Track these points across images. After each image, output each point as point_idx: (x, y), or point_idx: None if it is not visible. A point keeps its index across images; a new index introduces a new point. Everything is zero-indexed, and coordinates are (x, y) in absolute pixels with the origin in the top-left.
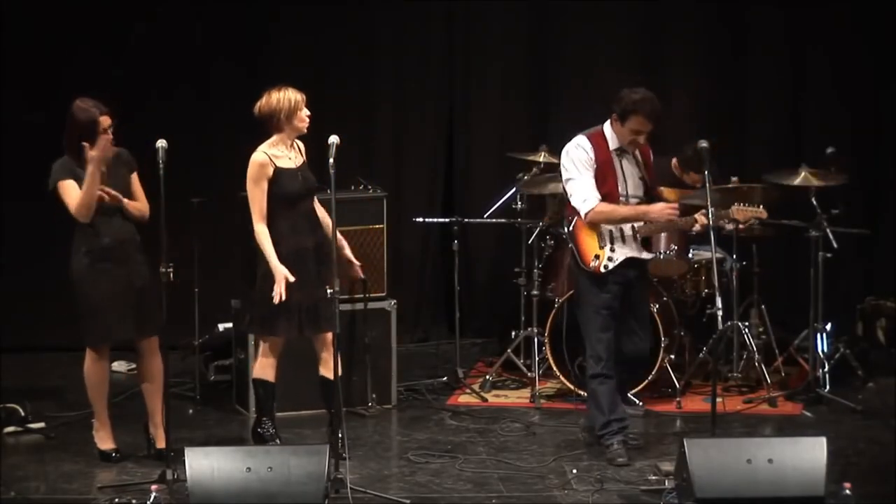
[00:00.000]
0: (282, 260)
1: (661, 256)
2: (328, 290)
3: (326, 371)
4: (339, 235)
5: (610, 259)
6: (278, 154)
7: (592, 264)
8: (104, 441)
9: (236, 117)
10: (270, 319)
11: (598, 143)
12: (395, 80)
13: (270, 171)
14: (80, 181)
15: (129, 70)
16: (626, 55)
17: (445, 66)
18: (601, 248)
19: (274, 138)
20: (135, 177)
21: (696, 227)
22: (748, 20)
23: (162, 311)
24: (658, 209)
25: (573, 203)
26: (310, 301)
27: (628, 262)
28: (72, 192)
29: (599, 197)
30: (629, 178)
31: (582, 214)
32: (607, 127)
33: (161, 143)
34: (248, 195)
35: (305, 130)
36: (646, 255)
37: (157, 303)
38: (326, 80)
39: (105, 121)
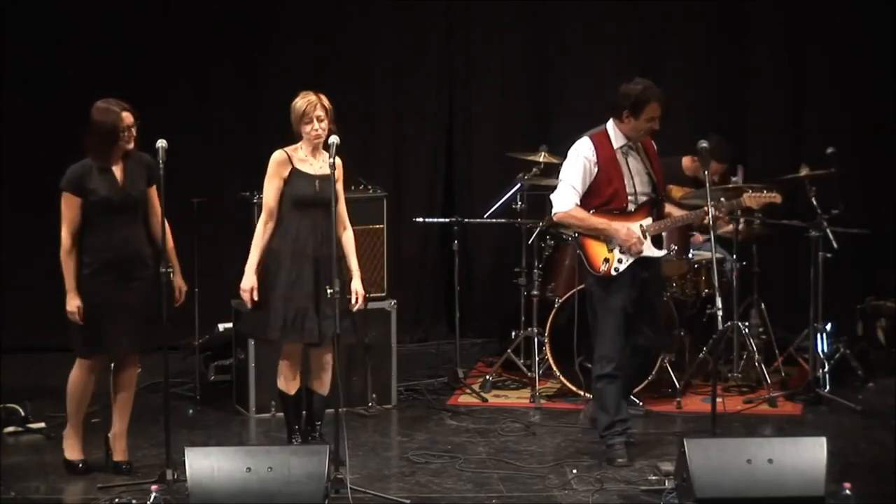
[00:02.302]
0: (288, 263)
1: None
2: (328, 291)
3: (318, 387)
4: (354, 267)
5: (620, 261)
6: (301, 157)
7: (602, 268)
8: (73, 451)
9: (237, 117)
10: (261, 325)
11: (601, 142)
12: (395, 80)
13: (286, 171)
14: (89, 192)
15: (130, 70)
16: (626, 55)
17: (445, 66)
18: (610, 251)
19: (300, 142)
20: (153, 190)
21: (707, 219)
22: (748, 20)
23: (162, 314)
24: (625, 236)
25: (552, 198)
26: (302, 309)
27: (639, 262)
28: (68, 212)
29: (577, 202)
30: (636, 175)
31: (554, 212)
32: (610, 125)
33: (161, 143)
34: (263, 190)
35: (315, 140)
36: (657, 253)
37: (148, 317)
38: (326, 80)
39: (127, 118)
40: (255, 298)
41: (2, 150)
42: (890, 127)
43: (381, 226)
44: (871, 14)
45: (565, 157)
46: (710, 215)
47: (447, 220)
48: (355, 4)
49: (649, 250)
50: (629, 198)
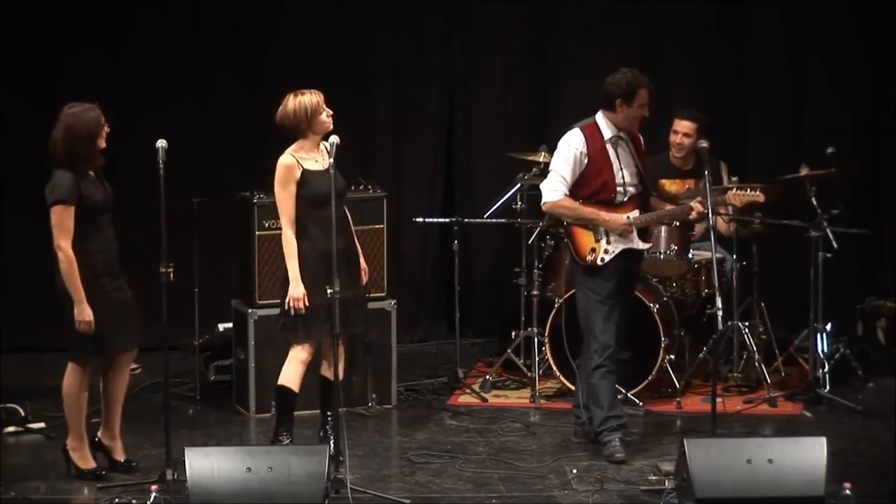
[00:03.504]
0: (313, 263)
1: (662, 256)
2: (328, 291)
3: (328, 372)
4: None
5: (606, 252)
6: (305, 156)
7: (589, 258)
8: (84, 461)
9: (237, 117)
10: (302, 324)
11: (592, 133)
12: (395, 79)
13: (298, 173)
14: (84, 199)
15: (130, 70)
16: (626, 55)
17: (445, 66)
18: (597, 241)
19: (299, 142)
20: None
21: (693, 215)
22: (748, 20)
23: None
24: (614, 223)
25: (542, 188)
26: (346, 302)
27: (625, 254)
28: (67, 223)
29: (567, 192)
30: (625, 166)
31: (543, 202)
32: (600, 117)
33: (161, 143)
34: (276, 199)
35: (330, 128)
36: (642, 246)
37: (136, 317)
38: (326, 80)
39: (101, 115)
40: (307, 304)
41: (2, 150)
42: (890, 127)
43: (381, 226)
44: (871, 14)
45: None
46: (710, 220)
47: (447, 220)
48: (355, 4)
49: (635, 241)
50: (618, 189)
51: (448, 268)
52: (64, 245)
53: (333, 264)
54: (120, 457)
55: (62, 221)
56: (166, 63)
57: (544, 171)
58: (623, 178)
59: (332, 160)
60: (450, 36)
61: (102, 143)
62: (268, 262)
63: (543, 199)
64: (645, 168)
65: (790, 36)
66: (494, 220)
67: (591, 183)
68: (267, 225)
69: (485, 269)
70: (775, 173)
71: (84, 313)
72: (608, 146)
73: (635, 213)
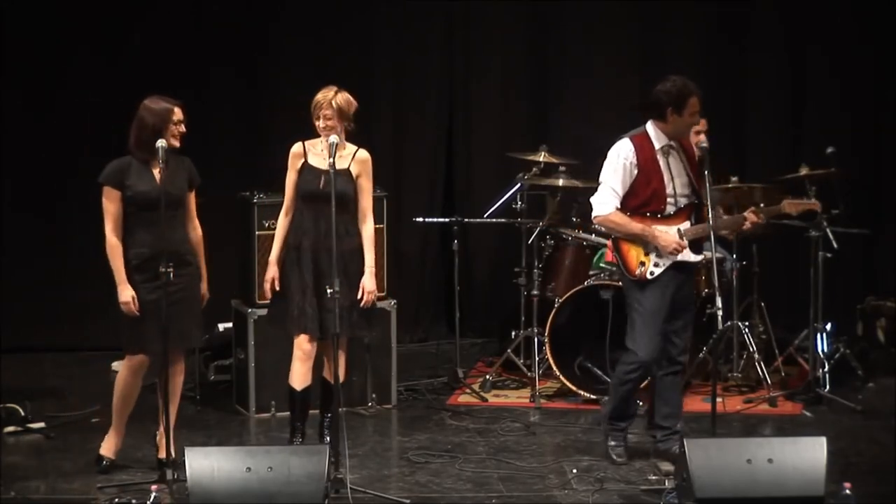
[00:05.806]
0: (291, 254)
1: None
2: (328, 291)
3: (328, 377)
4: (368, 262)
5: (656, 265)
6: (317, 151)
7: (638, 272)
8: (106, 447)
9: (237, 117)
10: (278, 316)
11: (642, 143)
12: (395, 80)
13: (300, 163)
14: (126, 187)
15: (130, 70)
16: (626, 55)
17: (445, 66)
18: (646, 254)
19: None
20: (192, 194)
21: (747, 225)
22: (748, 20)
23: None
24: (665, 241)
25: (592, 201)
26: (302, 302)
27: (676, 267)
28: (110, 205)
29: (618, 205)
30: (677, 176)
31: (594, 215)
32: (650, 127)
33: (161, 143)
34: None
35: (323, 135)
36: (694, 258)
37: (191, 315)
38: (326, 80)
39: (179, 113)
40: (277, 288)
41: (2, 150)
42: (890, 127)
43: (381, 226)
44: (871, 14)
45: (565, 157)
46: (710, 221)
47: (447, 220)
48: (355, 4)
49: (686, 255)
50: (668, 199)
51: (448, 268)
52: (106, 228)
53: (333, 264)
54: (161, 454)
55: (105, 203)
56: (166, 63)
57: (544, 171)
58: (674, 188)
59: (332, 160)
60: (450, 36)
61: (168, 140)
62: (268, 261)
63: (594, 213)
64: (697, 177)
65: (790, 36)
66: (494, 220)
67: (640, 193)
68: (267, 225)
69: (485, 269)
70: (775, 173)
71: (122, 294)
72: (659, 156)
73: (686, 225)
